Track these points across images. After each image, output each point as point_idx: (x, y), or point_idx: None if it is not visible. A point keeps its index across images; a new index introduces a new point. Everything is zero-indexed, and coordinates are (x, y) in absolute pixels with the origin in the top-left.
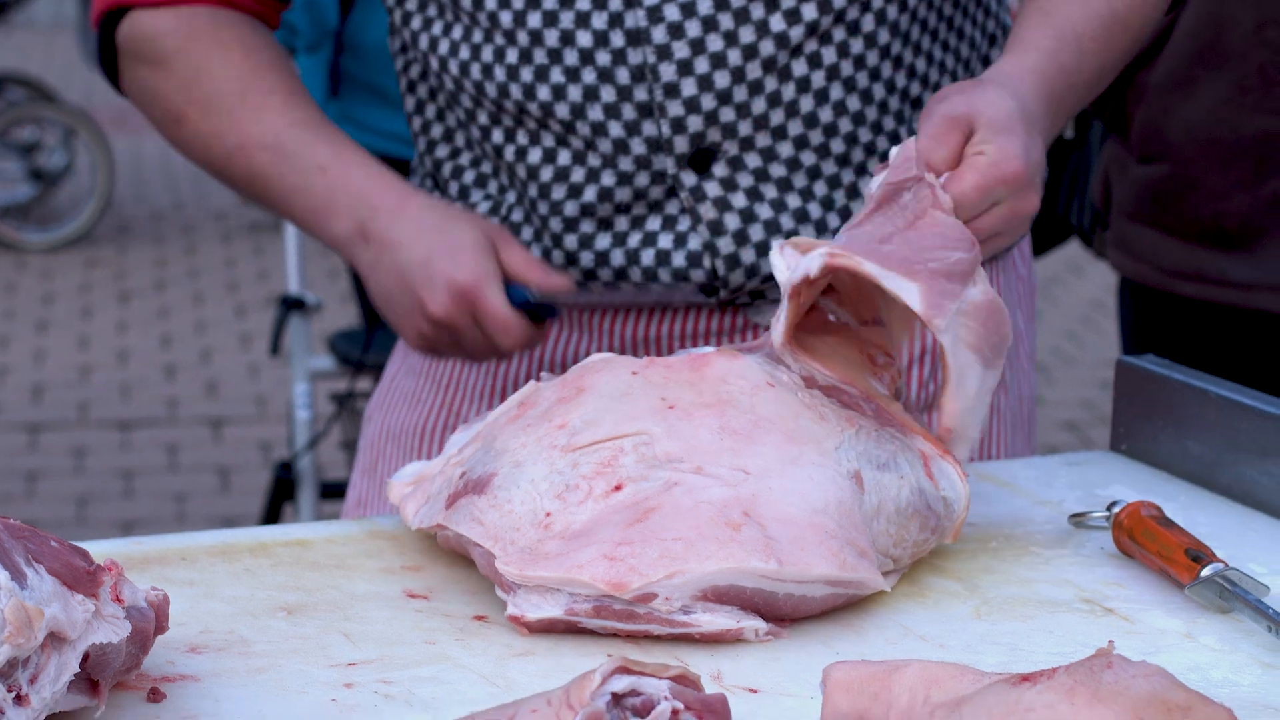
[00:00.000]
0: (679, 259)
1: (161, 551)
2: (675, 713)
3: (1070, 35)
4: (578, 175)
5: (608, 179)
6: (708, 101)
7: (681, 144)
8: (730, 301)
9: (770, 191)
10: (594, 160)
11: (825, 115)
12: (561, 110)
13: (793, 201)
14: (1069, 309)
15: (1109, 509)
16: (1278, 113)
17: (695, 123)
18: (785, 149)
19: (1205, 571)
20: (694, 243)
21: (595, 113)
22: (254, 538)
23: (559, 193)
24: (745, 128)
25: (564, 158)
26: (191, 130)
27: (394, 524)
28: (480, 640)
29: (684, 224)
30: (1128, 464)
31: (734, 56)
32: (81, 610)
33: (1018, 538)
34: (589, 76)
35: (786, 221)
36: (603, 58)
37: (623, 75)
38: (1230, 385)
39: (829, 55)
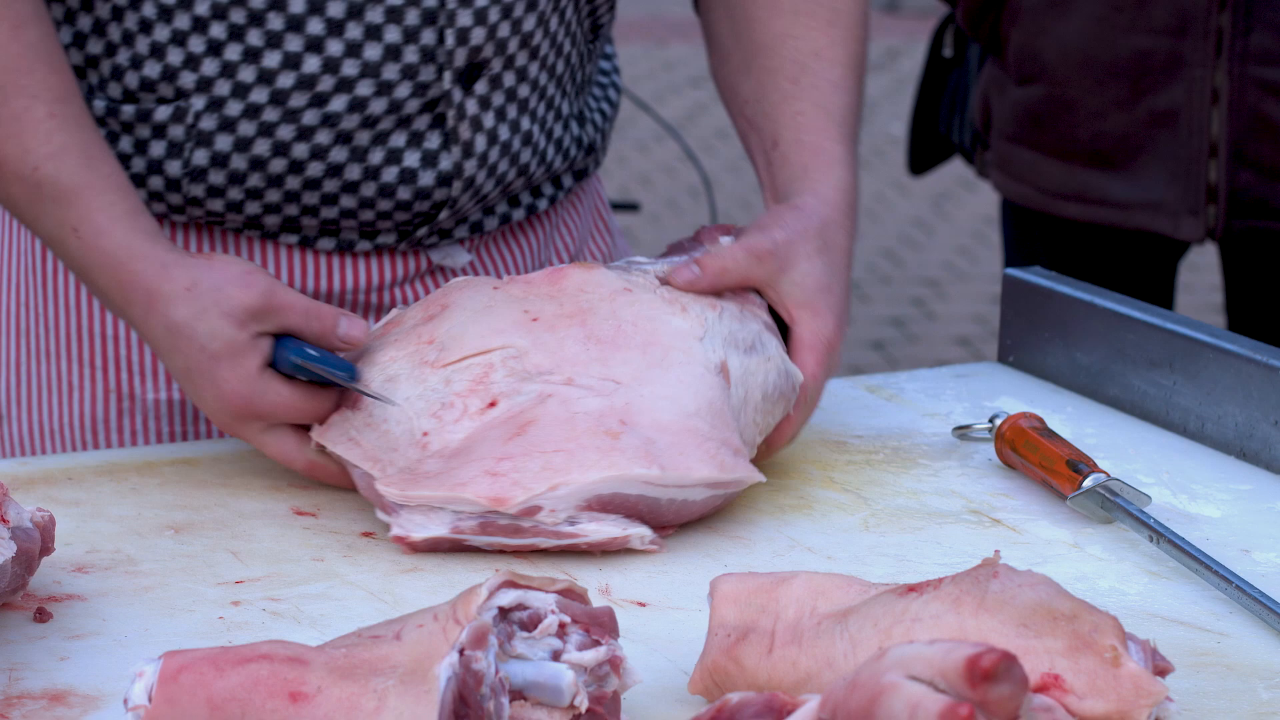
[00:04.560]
0: (426, 178)
1: (47, 471)
2: (562, 626)
3: (850, 122)
4: (325, 84)
5: (364, 88)
6: (494, 14)
7: (461, 56)
8: (417, 243)
9: (512, 113)
10: (350, 68)
11: (561, 36)
12: (336, 9)
13: (525, 124)
14: (960, 224)
15: (991, 421)
16: (1151, 31)
17: (478, 35)
18: (534, 70)
19: (1086, 482)
20: (445, 163)
21: (375, 15)
22: (141, 457)
23: (298, 100)
24: (513, 45)
25: (312, 64)
26: None
27: None
28: (368, 557)
29: (433, 141)
30: (1016, 376)
31: None
32: None
33: (905, 450)
34: None
35: (517, 145)
36: None
37: None
38: (1116, 297)
39: None
